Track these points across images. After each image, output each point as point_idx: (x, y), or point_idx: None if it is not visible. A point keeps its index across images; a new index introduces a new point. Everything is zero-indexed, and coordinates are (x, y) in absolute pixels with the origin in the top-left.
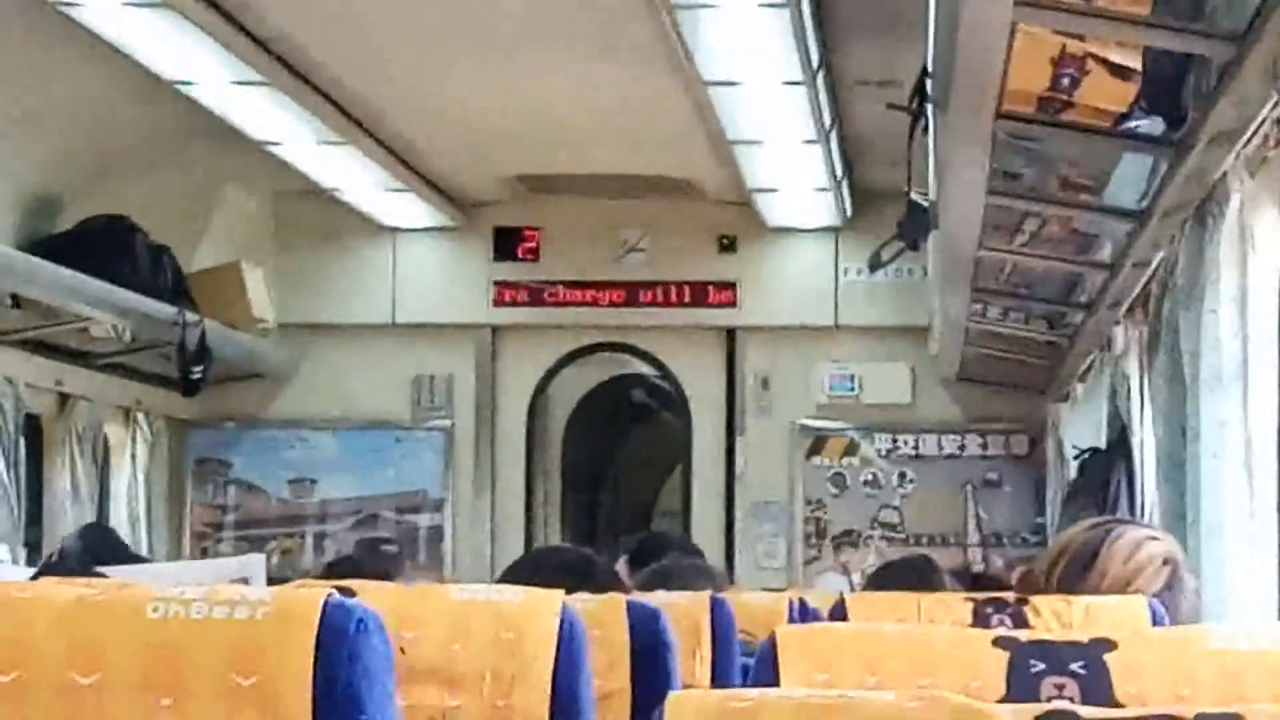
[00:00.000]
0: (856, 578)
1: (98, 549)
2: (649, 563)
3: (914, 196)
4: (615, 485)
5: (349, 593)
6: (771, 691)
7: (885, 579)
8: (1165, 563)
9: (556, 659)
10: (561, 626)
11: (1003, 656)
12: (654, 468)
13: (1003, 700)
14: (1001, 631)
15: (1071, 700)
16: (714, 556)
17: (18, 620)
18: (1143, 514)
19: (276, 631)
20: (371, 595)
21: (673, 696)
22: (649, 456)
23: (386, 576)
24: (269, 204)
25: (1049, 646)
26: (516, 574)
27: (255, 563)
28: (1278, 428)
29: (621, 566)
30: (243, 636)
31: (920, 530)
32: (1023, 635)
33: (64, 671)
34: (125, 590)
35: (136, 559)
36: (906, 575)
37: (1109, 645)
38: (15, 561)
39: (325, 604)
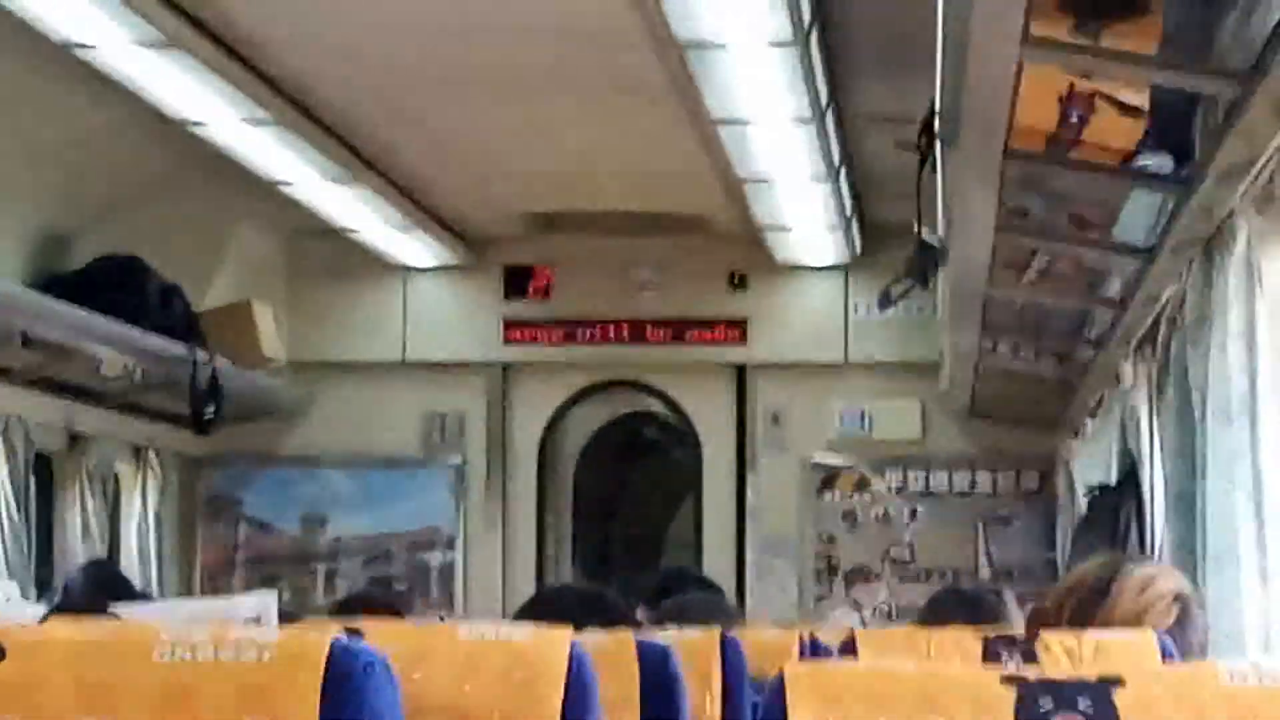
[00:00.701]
0: (868, 613)
1: (102, 585)
2: (662, 596)
3: (923, 234)
4: (626, 521)
5: (357, 633)
6: None
7: (941, 611)
8: (1175, 599)
9: (566, 697)
10: (571, 664)
11: (1011, 694)
12: (664, 503)
13: None
14: (1010, 670)
15: None
16: (725, 592)
17: (27, 662)
18: (1153, 549)
19: (283, 675)
20: (380, 635)
21: None
22: (659, 492)
23: (397, 614)
24: (280, 242)
25: (1057, 684)
26: (528, 612)
27: (267, 601)
28: None
29: (640, 606)
30: (250, 679)
31: (931, 566)
32: (1031, 673)
33: (72, 714)
34: (134, 632)
35: (141, 596)
36: (968, 609)
37: (1117, 682)
38: (25, 598)
39: (332, 647)
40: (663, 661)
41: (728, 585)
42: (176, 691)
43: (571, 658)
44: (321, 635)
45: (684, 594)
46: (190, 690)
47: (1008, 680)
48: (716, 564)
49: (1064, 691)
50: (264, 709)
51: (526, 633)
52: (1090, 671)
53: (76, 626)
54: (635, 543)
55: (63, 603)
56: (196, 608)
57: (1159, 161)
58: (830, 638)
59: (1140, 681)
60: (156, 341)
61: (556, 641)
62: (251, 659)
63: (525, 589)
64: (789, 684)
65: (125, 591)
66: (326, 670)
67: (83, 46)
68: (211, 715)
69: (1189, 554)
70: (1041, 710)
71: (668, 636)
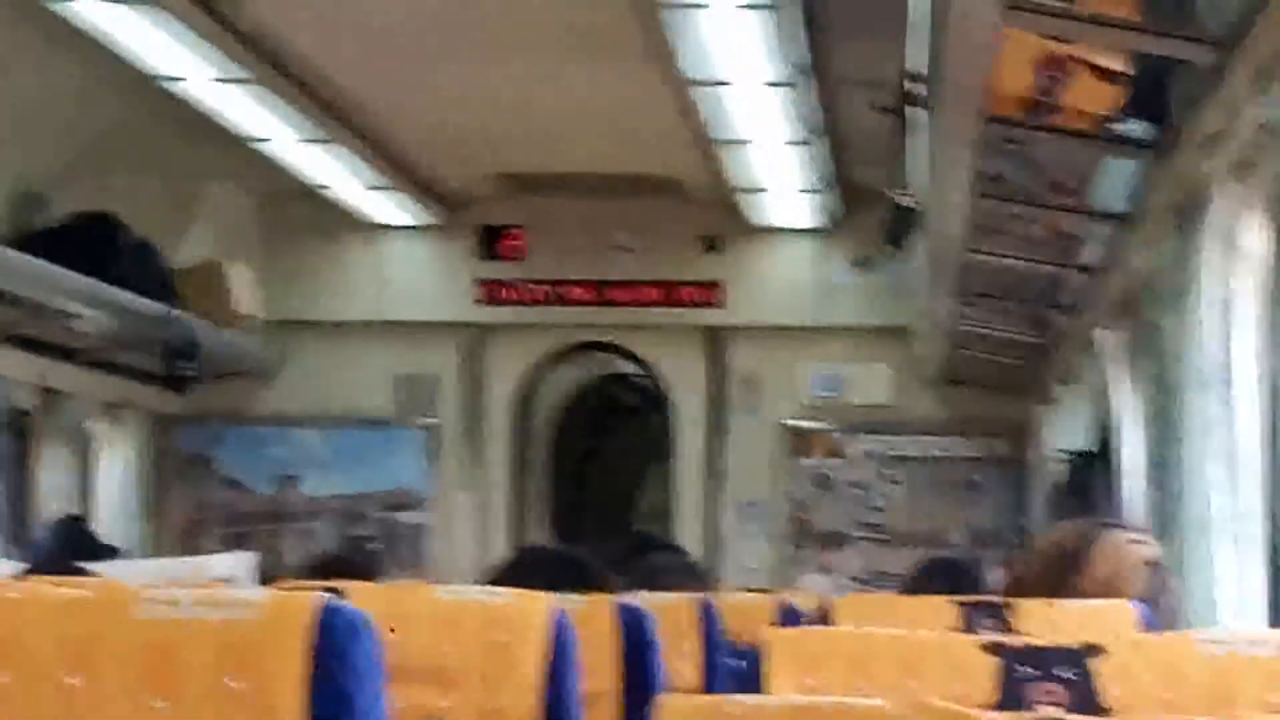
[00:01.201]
0: (841, 578)
1: (73, 542)
2: (637, 560)
3: (899, 198)
4: (600, 483)
5: (338, 593)
6: (765, 699)
7: (929, 578)
8: (1149, 565)
9: (547, 660)
10: (551, 627)
11: (992, 662)
12: (638, 466)
13: (993, 707)
14: (992, 637)
15: (1061, 705)
16: (698, 556)
17: (8, 621)
18: (1127, 515)
19: (270, 634)
20: (361, 595)
21: (663, 700)
22: (633, 454)
23: (370, 574)
24: (255, 201)
25: (1038, 652)
26: (504, 573)
27: (245, 561)
28: (1261, 428)
29: (611, 565)
30: (235, 638)
31: (904, 531)
32: (1012, 641)
33: (55, 673)
34: (117, 590)
35: (111, 552)
36: (953, 575)
37: (1097, 650)
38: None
39: (319, 606)
40: (641, 625)
41: (700, 548)
42: (161, 649)
43: (552, 621)
44: (308, 594)
45: (654, 555)
46: (175, 648)
47: (989, 648)
48: (689, 527)
49: (1045, 659)
50: (250, 668)
51: (506, 595)
52: (1068, 640)
53: (57, 585)
54: (609, 505)
55: (34, 560)
56: (171, 566)
57: (1137, 128)
58: (806, 603)
59: (1119, 650)
60: (131, 299)
61: (537, 604)
62: (237, 617)
63: (499, 551)
64: (770, 649)
65: (96, 548)
66: (313, 629)
67: (58, 0)
68: (196, 673)
69: (1164, 521)
70: (1022, 677)
71: (646, 600)
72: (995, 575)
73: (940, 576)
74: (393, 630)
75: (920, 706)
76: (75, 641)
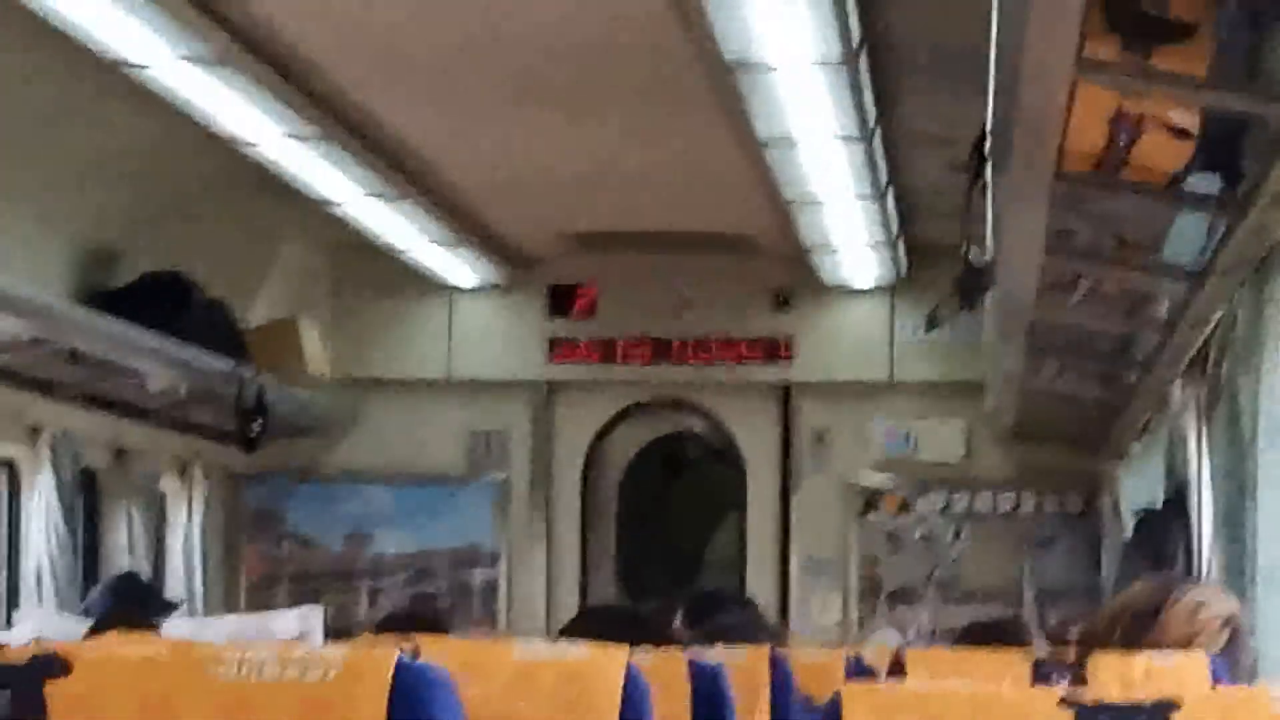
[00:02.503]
0: (911, 635)
1: (127, 598)
2: (705, 617)
3: (970, 255)
4: (668, 540)
5: (415, 648)
6: None
7: (973, 639)
8: (1226, 623)
9: (620, 715)
10: (626, 683)
11: (1068, 717)
12: (707, 522)
13: None
14: (1067, 692)
15: None
16: (768, 613)
17: (91, 678)
18: (1201, 572)
19: (349, 693)
20: (436, 652)
21: None
22: (702, 511)
23: (441, 630)
24: (326, 259)
25: (1113, 708)
26: (574, 630)
27: (313, 616)
28: None
29: (677, 621)
30: (315, 698)
31: (975, 588)
32: (1087, 696)
33: None
34: (197, 650)
35: (169, 607)
36: (996, 636)
37: (1172, 706)
38: (67, 614)
39: (397, 664)
40: (713, 680)
41: (770, 605)
42: (243, 710)
43: (627, 676)
44: (385, 652)
45: (723, 611)
46: (257, 709)
47: (1064, 702)
48: (759, 584)
49: (1120, 715)
50: None
51: (581, 651)
52: (1142, 695)
53: (140, 643)
54: (678, 562)
55: (94, 618)
56: (241, 623)
57: (1208, 183)
58: (875, 658)
59: (1194, 705)
60: (202, 357)
61: (612, 660)
62: (316, 678)
63: (568, 607)
64: (845, 704)
65: (155, 604)
66: (392, 688)
67: (133, 66)
68: None
69: (1238, 576)
70: None
71: (717, 655)
72: (1070, 632)
73: (983, 639)
74: (471, 700)
75: None
76: (158, 702)
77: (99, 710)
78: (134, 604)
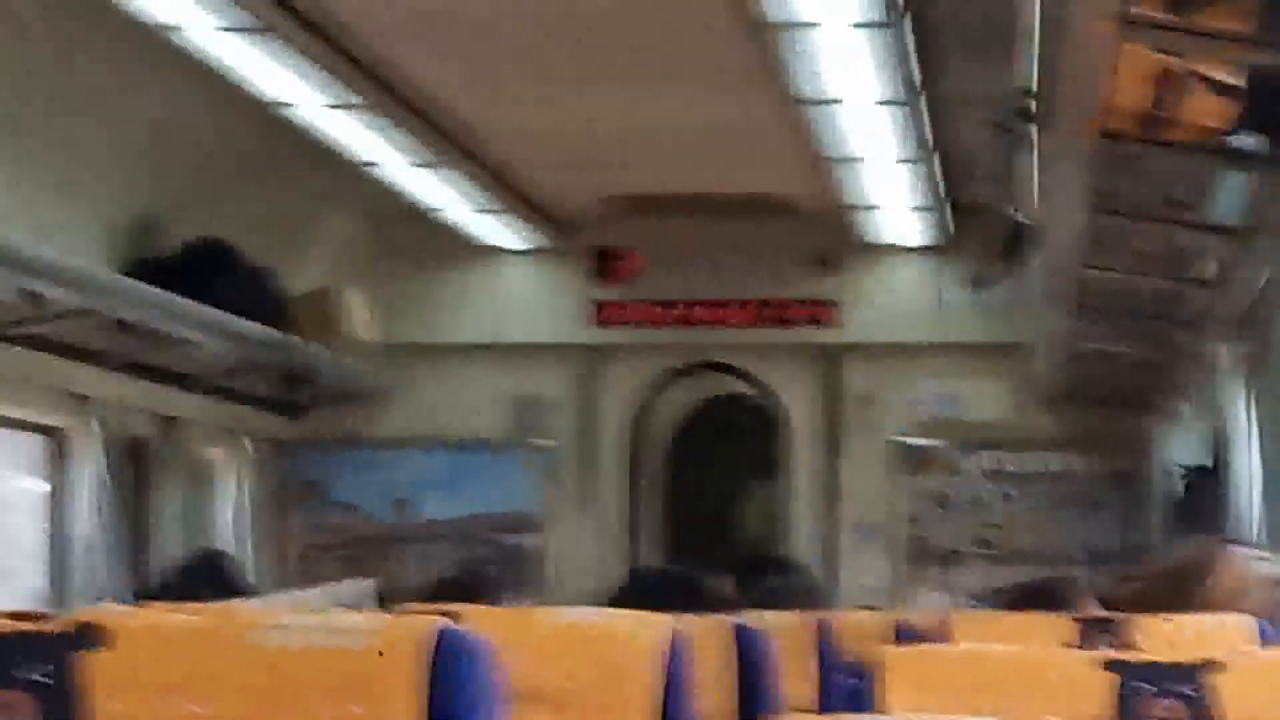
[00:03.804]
0: (958, 596)
1: (211, 581)
2: (753, 581)
3: (1015, 215)
4: (715, 504)
5: (454, 617)
6: (883, 719)
7: (1024, 600)
8: (1270, 582)
9: (664, 681)
10: (669, 649)
11: (1112, 679)
12: (753, 486)
13: None
14: (1111, 654)
15: None
16: (808, 573)
17: (132, 648)
18: (1248, 533)
19: (387, 661)
20: (478, 619)
21: None
22: (747, 474)
23: (487, 597)
24: (369, 226)
25: (1158, 669)
26: (623, 597)
27: (365, 590)
28: None
29: (728, 585)
30: (353, 666)
31: (1021, 548)
32: (1131, 657)
33: (177, 700)
34: (236, 618)
35: (248, 590)
36: (1046, 597)
37: (1217, 666)
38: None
39: (435, 631)
40: (758, 645)
41: (818, 568)
42: (280, 677)
43: (669, 642)
44: (427, 619)
45: (771, 576)
46: (294, 676)
47: (1106, 664)
48: (806, 546)
49: (1163, 675)
50: (368, 693)
51: (624, 617)
52: (1187, 656)
53: (179, 612)
54: (723, 525)
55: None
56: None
57: (1253, 141)
58: (922, 621)
59: (1241, 665)
60: (247, 326)
61: (654, 626)
62: (356, 645)
63: (615, 572)
64: (886, 667)
65: (233, 584)
66: (432, 655)
67: (171, 29)
68: (317, 701)
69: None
70: (1142, 693)
71: (764, 620)
72: (1117, 592)
73: (1034, 601)
74: (513, 667)
75: None
76: (197, 670)
77: (138, 680)
78: (214, 584)
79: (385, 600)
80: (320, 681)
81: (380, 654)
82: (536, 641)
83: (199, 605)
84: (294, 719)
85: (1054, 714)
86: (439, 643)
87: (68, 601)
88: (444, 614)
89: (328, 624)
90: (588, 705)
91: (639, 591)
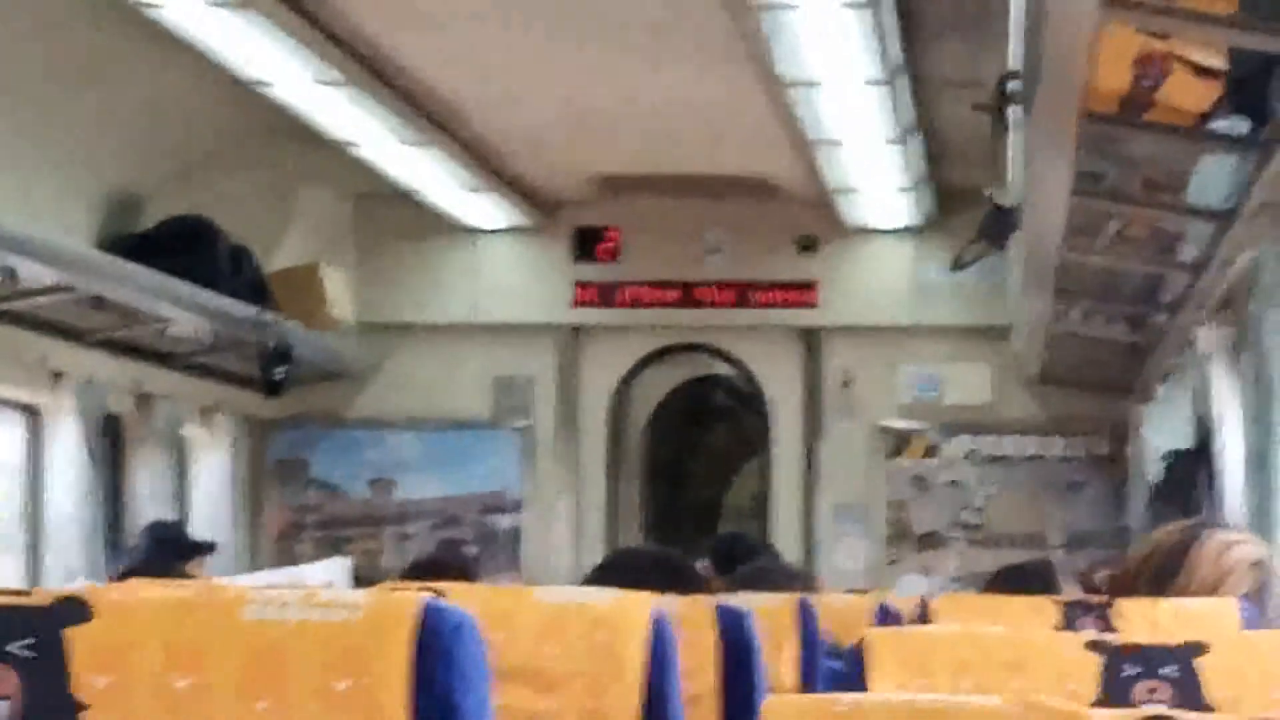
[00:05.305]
0: (938, 580)
1: (166, 545)
2: (730, 563)
3: (996, 197)
4: (695, 485)
5: (439, 595)
6: (872, 696)
7: (1004, 584)
8: (1254, 565)
9: (647, 661)
10: (653, 629)
11: (1096, 660)
12: (733, 468)
13: (1096, 705)
14: (1095, 635)
15: (1165, 704)
16: (794, 558)
17: (115, 622)
18: (1229, 515)
19: (373, 635)
20: (461, 597)
21: (768, 702)
22: (728, 456)
23: (467, 577)
24: (349, 204)
25: (1142, 650)
26: (602, 575)
27: (340, 567)
28: None
29: (703, 567)
30: (339, 639)
31: (1002, 532)
32: (1115, 639)
33: (162, 674)
34: (222, 592)
35: (208, 548)
36: (1027, 581)
37: (1201, 649)
38: (95, 558)
39: (422, 607)
40: (741, 626)
41: (798, 551)
42: (265, 651)
43: (654, 622)
44: (412, 595)
45: (748, 559)
46: (279, 650)
47: (1092, 646)
48: (786, 529)
49: (1149, 657)
50: (355, 668)
51: (607, 596)
52: (1171, 638)
53: (163, 587)
54: (704, 507)
55: (131, 565)
56: (270, 577)
57: (1236, 124)
58: (903, 604)
59: (1224, 648)
60: (226, 303)
61: (639, 605)
62: (341, 619)
63: (594, 553)
64: (869, 649)
65: (191, 547)
66: (417, 630)
67: (152, 6)
68: (301, 675)
69: (1265, 519)
70: (1126, 675)
71: (745, 601)
72: (1098, 576)
73: (1013, 584)
74: (496, 645)
75: (1032, 705)
76: (182, 643)
77: (123, 654)
78: (169, 549)
79: (362, 580)
80: (307, 655)
81: (366, 628)
82: (519, 620)
83: (180, 581)
84: (280, 692)
85: (1039, 694)
86: (425, 617)
87: (43, 582)
88: (429, 591)
89: (317, 599)
90: (571, 684)
91: (617, 570)
